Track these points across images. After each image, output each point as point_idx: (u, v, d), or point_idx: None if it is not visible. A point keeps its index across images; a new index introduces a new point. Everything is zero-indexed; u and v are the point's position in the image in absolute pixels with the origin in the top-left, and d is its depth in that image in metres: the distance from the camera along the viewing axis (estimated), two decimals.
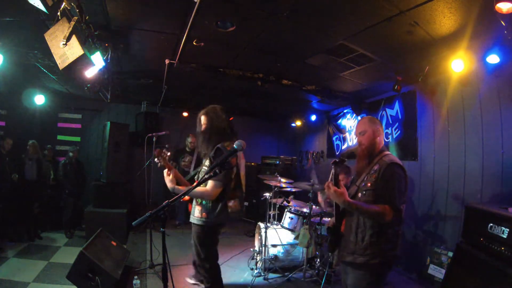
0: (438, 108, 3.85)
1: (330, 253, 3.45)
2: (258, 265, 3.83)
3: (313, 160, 6.92)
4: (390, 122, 4.58)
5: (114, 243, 3.59)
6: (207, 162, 2.45)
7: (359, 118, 5.28)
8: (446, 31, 2.58)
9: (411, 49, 2.99)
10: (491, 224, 2.47)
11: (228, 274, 3.69)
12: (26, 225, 4.73)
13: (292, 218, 4.01)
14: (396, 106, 4.48)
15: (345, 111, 5.81)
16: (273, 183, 4.07)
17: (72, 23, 2.20)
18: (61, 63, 2.31)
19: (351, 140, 5.57)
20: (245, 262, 4.08)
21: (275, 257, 3.79)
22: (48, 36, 2.32)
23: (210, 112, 2.49)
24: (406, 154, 4.24)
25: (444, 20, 2.40)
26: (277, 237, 3.89)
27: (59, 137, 6.20)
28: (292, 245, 3.91)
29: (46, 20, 2.61)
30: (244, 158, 2.66)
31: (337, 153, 6.00)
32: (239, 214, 2.47)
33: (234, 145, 1.93)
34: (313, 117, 6.70)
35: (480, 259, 2.50)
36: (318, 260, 3.70)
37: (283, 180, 4.06)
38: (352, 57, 3.37)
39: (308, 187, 3.75)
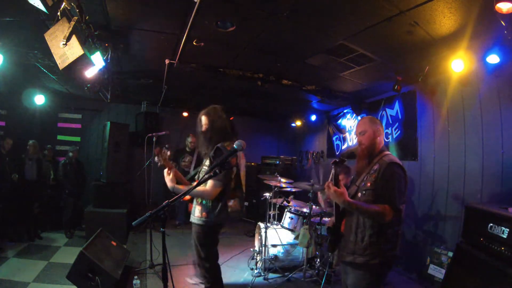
0: (438, 108, 3.85)
1: (330, 253, 3.45)
2: (258, 265, 3.83)
3: (313, 160, 6.92)
4: (390, 122, 4.58)
5: (114, 243, 3.59)
6: (207, 162, 2.45)
7: (359, 118, 5.28)
8: (446, 31, 2.58)
9: (411, 49, 2.99)
10: (491, 224, 2.47)
11: (228, 274, 3.69)
12: (26, 225, 4.73)
13: (292, 218, 4.01)
14: (396, 106, 4.48)
15: (345, 111, 5.81)
16: (273, 183, 4.07)
17: (72, 23, 2.20)
18: (61, 63, 2.31)
19: (351, 140, 5.57)
20: (245, 262, 4.08)
21: (275, 257, 3.79)
22: (48, 36, 2.32)
23: (211, 112, 2.49)
24: (406, 154, 4.24)
25: (444, 20, 2.40)
26: (277, 237, 3.89)
27: (59, 137, 6.20)
28: (292, 245, 3.91)
29: (46, 20, 2.61)
30: (245, 158, 2.66)
31: (337, 153, 6.00)
32: (239, 214, 2.47)
33: (234, 145, 1.93)
34: (313, 117, 6.70)
35: (480, 259, 2.50)
36: (318, 260, 3.70)
37: (283, 180, 4.06)
38: (352, 57, 3.37)
39: (308, 187, 3.75)
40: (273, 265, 3.75)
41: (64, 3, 2.14)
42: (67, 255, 3.99)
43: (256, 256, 4.00)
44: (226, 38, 3.07)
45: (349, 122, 5.66)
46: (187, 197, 2.51)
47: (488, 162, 3.19)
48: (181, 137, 6.71)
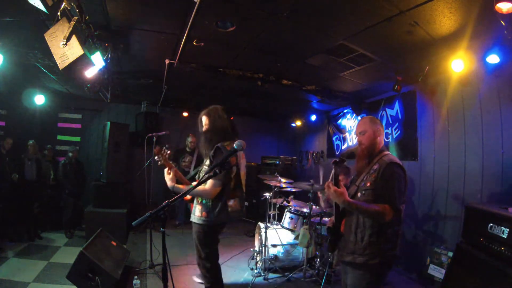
0: (438, 108, 3.85)
1: (330, 253, 3.45)
2: (258, 265, 3.83)
3: (313, 160, 6.92)
4: (390, 122, 4.58)
5: (114, 243, 3.59)
6: (207, 162, 2.46)
7: (359, 118, 5.28)
8: (446, 31, 2.58)
9: (411, 49, 2.99)
10: (491, 224, 2.47)
11: (228, 274, 3.69)
12: (26, 225, 4.73)
13: (292, 218, 4.01)
14: (396, 106, 4.48)
15: (345, 111, 5.81)
16: (273, 183, 4.07)
17: (72, 23, 2.20)
18: (61, 63, 2.31)
19: (351, 140, 5.57)
20: (245, 262, 4.08)
21: (275, 257, 3.79)
22: (48, 36, 2.32)
23: (212, 113, 2.50)
24: (406, 154, 4.24)
25: (444, 20, 2.40)
26: (277, 237, 3.89)
27: (59, 137, 6.20)
28: (292, 245, 3.91)
29: (46, 20, 2.61)
30: (245, 158, 2.67)
31: (337, 153, 6.00)
32: (239, 213, 2.48)
33: (234, 145, 1.95)
34: (313, 117, 6.70)
35: (480, 259, 2.50)
36: (318, 260, 3.70)
37: (283, 180, 4.06)
38: (352, 57, 3.37)
39: (308, 187, 3.75)
40: (273, 265, 3.75)
41: (64, 3, 2.14)
42: (67, 255, 3.99)
43: (256, 256, 4.00)
44: (226, 38, 3.06)
45: (349, 122, 5.66)
46: (188, 197, 2.51)
47: (488, 162, 3.19)
48: (181, 137, 6.71)
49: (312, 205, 3.67)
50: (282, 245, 3.88)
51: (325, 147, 6.49)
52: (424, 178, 3.98)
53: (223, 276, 2.58)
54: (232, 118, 2.62)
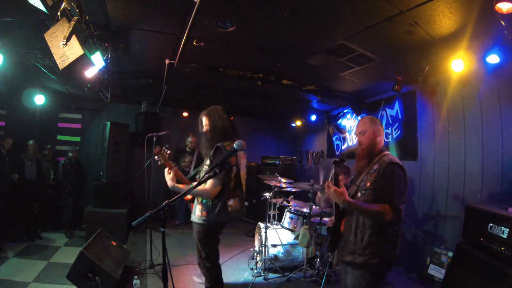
0: (438, 108, 3.85)
1: (330, 253, 3.45)
2: (258, 265, 3.83)
3: (313, 160, 6.93)
4: (390, 122, 4.58)
5: (114, 243, 3.59)
6: (207, 162, 2.46)
7: (359, 118, 5.28)
8: (446, 31, 2.58)
9: (411, 49, 2.99)
10: (491, 224, 2.47)
11: (228, 274, 3.69)
12: (26, 225, 4.73)
13: (292, 218, 4.01)
14: (396, 106, 4.48)
15: (345, 111, 5.81)
16: (273, 183, 4.07)
17: (72, 23, 2.20)
18: (61, 63, 2.31)
19: (351, 140, 5.57)
20: (245, 262, 4.08)
21: (275, 257, 3.79)
22: (48, 36, 2.32)
23: (212, 113, 2.51)
24: (406, 154, 4.24)
25: (444, 20, 2.40)
26: (277, 237, 3.89)
27: (59, 137, 6.20)
28: (292, 245, 3.91)
29: (46, 20, 2.61)
30: (246, 158, 2.67)
31: (337, 153, 6.00)
32: (240, 213, 2.48)
33: (234, 145, 1.96)
34: (313, 117, 6.70)
35: (480, 259, 2.50)
36: (318, 260, 3.70)
37: (283, 180, 4.06)
38: (352, 57, 3.37)
39: (308, 187, 3.75)
40: (273, 265, 3.75)
41: (64, 3, 2.14)
42: (67, 255, 3.99)
43: (256, 256, 4.00)
44: (226, 38, 3.06)
45: (349, 122, 5.66)
46: (189, 196, 2.52)
47: (488, 162, 3.19)
48: (181, 137, 6.71)
49: (312, 205, 3.67)
50: (282, 245, 3.88)
51: (325, 147, 6.49)
52: (424, 178, 3.98)
53: (223, 276, 2.58)
54: (232, 118, 2.63)
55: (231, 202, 2.41)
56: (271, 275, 3.72)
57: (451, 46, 2.87)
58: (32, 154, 4.81)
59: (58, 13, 2.24)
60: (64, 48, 2.24)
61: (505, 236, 2.34)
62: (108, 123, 5.27)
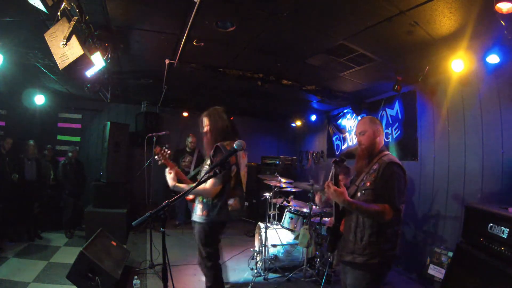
0: (438, 108, 3.85)
1: (329, 253, 3.45)
2: (258, 265, 3.83)
3: (313, 160, 6.93)
4: (390, 122, 4.58)
5: (114, 243, 3.59)
6: (208, 161, 2.48)
7: (359, 118, 5.29)
8: (446, 31, 2.58)
9: (411, 49, 2.99)
10: (491, 224, 2.47)
11: (228, 274, 3.70)
12: (26, 225, 4.73)
13: (292, 218, 4.01)
14: (396, 106, 4.48)
15: (345, 111, 5.81)
16: (273, 183, 4.07)
17: (72, 23, 2.21)
18: (61, 63, 2.31)
19: (351, 140, 5.57)
20: (245, 262, 4.08)
21: (275, 257, 3.79)
22: (48, 36, 2.32)
23: (212, 114, 2.54)
24: (406, 154, 4.24)
25: (444, 20, 2.40)
26: (277, 237, 3.89)
27: (59, 137, 6.20)
28: (292, 245, 3.91)
29: (46, 20, 2.61)
30: (246, 157, 2.69)
31: (337, 153, 6.01)
32: (240, 213, 2.49)
33: (234, 145, 1.98)
34: (313, 117, 6.70)
35: (480, 259, 2.50)
36: (318, 260, 3.70)
37: (283, 180, 4.06)
38: (352, 57, 3.37)
39: (308, 187, 3.75)
40: (273, 265, 3.75)
41: (64, 3, 2.14)
42: (67, 255, 3.99)
43: (256, 256, 4.00)
44: (226, 38, 3.06)
45: (349, 122, 5.66)
46: (190, 197, 2.54)
47: (488, 162, 3.19)
48: (181, 137, 6.71)
49: (312, 205, 3.67)
50: (282, 245, 3.88)
51: (325, 147, 6.49)
52: (424, 178, 3.98)
53: (223, 276, 2.59)
54: (232, 118, 2.64)
55: (231, 201, 2.42)
56: (271, 275, 3.72)
57: (451, 46, 2.87)
58: (32, 154, 4.81)
59: (58, 13, 2.24)
60: (64, 48, 2.24)
61: (505, 236, 2.34)
62: (108, 123, 5.27)
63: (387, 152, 1.99)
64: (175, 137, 6.76)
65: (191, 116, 6.81)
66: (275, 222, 4.30)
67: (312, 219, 3.69)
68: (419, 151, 4.08)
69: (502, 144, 3.06)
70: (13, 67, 3.89)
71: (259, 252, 3.91)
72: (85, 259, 2.85)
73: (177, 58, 3.49)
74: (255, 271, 3.74)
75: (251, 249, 4.22)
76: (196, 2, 2.22)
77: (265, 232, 3.72)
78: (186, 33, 2.78)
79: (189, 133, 5.89)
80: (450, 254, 3.25)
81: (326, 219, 3.83)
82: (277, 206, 4.37)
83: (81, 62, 2.35)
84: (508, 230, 2.33)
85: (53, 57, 2.32)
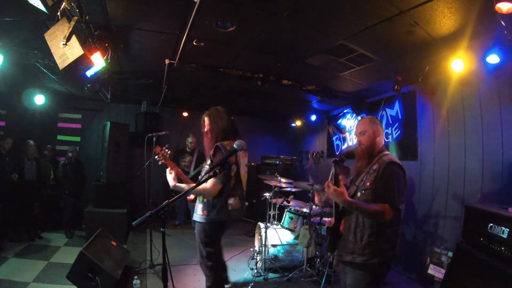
0: (438, 108, 3.85)
1: (329, 253, 3.45)
2: (258, 265, 3.83)
3: (313, 160, 6.92)
4: (390, 122, 4.58)
5: (114, 243, 3.59)
6: (208, 161, 2.49)
7: (359, 118, 5.29)
8: (446, 31, 2.58)
9: (411, 49, 2.99)
10: (491, 224, 2.47)
11: (228, 274, 3.69)
12: (26, 225, 4.73)
13: (292, 218, 4.01)
14: (396, 106, 4.48)
15: (345, 111, 5.81)
16: (273, 183, 4.07)
17: (72, 23, 2.21)
18: (61, 63, 2.31)
19: (351, 140, 5.57)
20: (245, 262, 4.08)
21: (275, 257, 3.79)
22: (48, 36, 2.32)
23: (213, 114, 2.56)
24: (406, 154, 4.24)
25: (444, 20, 2.40)
26: (277, 237, 3.89)
27: (59, 137, 6.20)
28: (292, 245, 3.91)
29: (46, 20, 2.61)
30: (247, 157, 2.70)
31: (337, 153, 6.00)
32: (240, 212, 2.50)
33: (234, 145, 1.99)
34: (313, 117, 6.70)
35: (480, 259, 2.50)
36: (318, 260, 3.70)
37: (283, 180, 4.06)
38: (352, 57, 3.37)
39: (308, 187, 3.75)
40: (273, 265, 3.75)
41: (64, 3, 2.14)
42: (67, 255, 3.99)
43: (256, 256, 4.00)
44: (226, 38, 3.06)
45: (349, 122, 5.66)
46: (192, 197, 2.55)
47: (488, 162, 3.19)
48: (181, 137, 6.71)
49: (312, 205, 3.67)
50: (282, 245, 3.88)
51: (325, 147, 6.49)
52: (424, 178, 3.98)
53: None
54: (232, 118, 2.65)
55: (231, 200, 2.42)
56: (271, 275, 3.72)
57: (451, 46, 2.87)
58: (32, 154, 4.81)
59: (58, 13, 2.24)
60: (64, 48, 2.25)
61: (505, 236, 2.34)
62: (108, 123, 5.27)
63: (387, 152, 1.99)
64: (175, 137, 6.75)
65: (191, 116, 6.81)
66: (275, 222, 4.30)
67: (312, 219, 3.69)
68: (419, 151, 4.08)
69: (502, 144, 3.06)
70: (13, 67, 3.89)
71: (259, 252, 3.91)
72: (85, 259, 2.85)
73: (177, 58, 3.49)
74: (255, 271, 3.74)
75: (251, 249, 4.22)
76: (196, 2, 2.22)
77: (265, 232, 3.72)
78: (186, 33, 2.78)
79: (189, 133, 5.89)
80: (450, 254, 3.25)
81: (326, 219, 3.82)
82: (277, 206, 4.37)
83: (81, 62, 2.35)
84: (508, 230, 2.33)
85: (53, 57, 2.32)
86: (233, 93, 5.43)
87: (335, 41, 3.00)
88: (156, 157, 2.55)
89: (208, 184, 2.28)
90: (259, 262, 3.84)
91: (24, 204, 4.71)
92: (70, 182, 5.16)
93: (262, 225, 3.92)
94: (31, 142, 4.83)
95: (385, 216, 1.76)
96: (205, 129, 2.55)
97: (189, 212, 5.63)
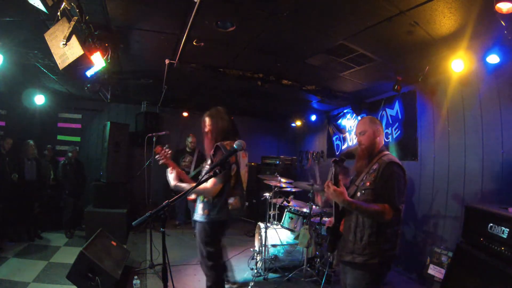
0: (438, 108, 3.85)
1: (329, 253, 3.45)
2: (258, 265, 3.83)
3: (313, 160, 6.92)
4: (390, 122, 4.58)
5: (114, 243, 3.59)
6: (209, 161, 2.50)
7: (359, 118, 5.29)
8: (446, 31, 2.58)
9: (411, 49, 2.99)
10: (491, 224, 2.47)
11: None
12: (26, 225, 4.73)
13: (292, 218, 4.01)
14: (396, 106, 4.48)
15: (345, 111, 5.81)
16: (273, 183, 4.07)
17: (72, 23, 2.21)
18: (61, 63, 2.31)
19: (351, 140, 5.57)
20: (245, 262, 4.08)
21: (275, 257, 3.79)
22: (48, 36, 2.32)
23: (214, 114, 2.57)
24: (406, 154, 4.24)
25: (444, 20, 2.40)
26: (277, 237, 3.89)
27: (59, 137, 6.20)
28: (292, 245, 3.91)
29: (46, 20, 2.61)
30: (247, 156, 2.70)
31: (337, 153, 6.01)
32: (240, 212, 2.50)
33: (234, 145, 2.00)
34: (313, 117, 6.70)
35: (480, 259, 2.50)
36: (318, 260, 3.70)
37: (283, 180, 4.06)
38: (352, 57, 3.37)
39: (308, 187, 3.75)
40: (273, 265, 3.75)
41: (64, 3, 2.14)
42: (67, 255, 3.99)
43: (256, 256, 4.00)
44: (226, 38, 3.06)
45: (349, 122, 5.66)
46: (193, 196, 2.56)
47: (488, 162, 3.19)
48: (181, 137, 6.71)
49: (312, 205, 3.67)
50: (282, 245, 3.88)
51: (325, 147, 6.49)
52: (424, 178, 3.98)
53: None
54: (232, 118, 2.66)
55: (231, 200, 2.43)
56: (271, 275, 3.72)
57: (451, 46, 2.87)
58: (31, 154, 4.81)
59: (58, 13, 2.24)
60: (64, 48, 2.25)
61: (505, 236, 2.34)
62: (108, 123, 5.27)
63: (387, 152, 1.99)
64: (175, 137, 6.75)
65: (191, 116, 6.81)
66: (275, 222, 4.30)
67: (312, 219, 3.69)
68: (419, 151, 4.08)
69: (502, 144, 3.06)
70: (13, 67, 3.89)
71: (259, 252, 3.91)
72: (85, 259, 2.85)
73: (177, 58, 3.49)
74: (255, 271, 3.74)
75: (251, 249, 4.22)
76: (196, 2, 2.22)
77: (265, 232, 3.72)
78: (186, 33, 2.78)
79: (189, 133, 5.89)
80: (450, 254, 3.25)
81: (326, 219, 3.82)
82: (277, 206, 4.37)
83: (81, 62, 2.35)
84: (508, 230, 2.33)
85: (53, 57, 2.32)
86: (233, 93, 5.43)
87: (335, 41, 3.00)
88: (157, 156, 2.56)
89: (209, 183, 2.28)
90: (259, 262, 3.84)
91: (24, 204, 4.71)
92: (70, 182, 5.16)
93: (262, 225, 3.92)
94: (31, 142, 4.83)
95: (385, 216, 1.76)
96: (206, 129, 2.57)
97: (189, 212, 5.63)
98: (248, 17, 2.65)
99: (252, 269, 3.87)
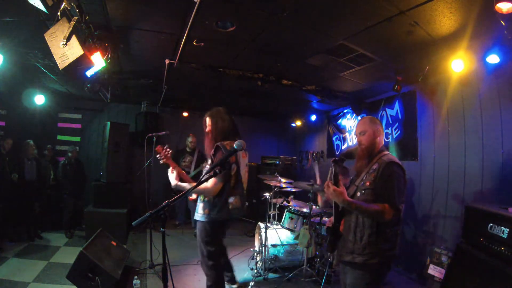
0: (438, 108, 3.85)
1: (329, 253, 3.45)
2: (258, 265, 3.83)
3: (313, 160, 6.92)
4: (390, 122, 4.58)
5: (114, 243, 3.59)
6: (209, 161, 2.51)
7: (359, 118, 5.29)
8: (446, 31, 2.58)
9: (411, 49, 2.99)
10: (491, 224, 2.47)
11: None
12: (26, 225, 4.73)
13: (292, 218, 4.01)
14: (396, 106, 4.48)
15: (345, 111, 5.81)
16: (273, 183, 4.07)
17: (72, 23, 2.21)
18: (61, 63, 2.31)
19: (351, 140, 5.57)
20: (245, 262, 4.08)
21: (275, 257, 3.79)
22: (48, 36, 2.32)
23: (214, 114, 2.58)
24: (406, 154, 4.24)
25: (444, 20, 2.40)
26: (277, 237, 3.89)
27: (59, 137, 6.19)
28: (292, 245, 3.91)
29: (46, 20, 2.61)
30: (247, 156, 2.71)
31: (337, 153, 6.01)
32: (240, 211, 2.51)
33: (234, 145, 2.00)
34: (313, 117, 6.70)
35: (480, 259, 2.51)
36: (318, 260, 3.70)
37: (283, 180, 4.06)
38: (352, 57, 3.37)
39: (308, 187, 3.75)
40: (273, 265, 3.75)
41: (64, 3, 2.14)
42: (67, 255, 3.99)
43: (256, 256, 4.00)
44: (226, 38, 3.06)
45: (349, 122, 5.66)
46: (194, 196, 2.57)
47: (488, 162, 3.19)
48: (181, 137, 6.71)
49: (312, 205, 3.67)
50: (282, 245, 3.88)
51: (325, 147, 6.49)
52: (424, 178, 3.98)
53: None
54: (232, 118, 2.67)
55: (231, 199, 2.44)
56: (271, 275, 3.72)
57: (451, 46, 2.87)
58: (31, 154, 4.80)
59: (58, 13, 2.24)
60: (64, 48, 2.25)
61: (505, 236, 2.34)
62: (108, 123, 5.27)
63: (386, 152, 2.00)
64: (175, 137, 6.75)
65: (191, 116, 6.81)
66: (275, 222, 4.30)
67: (312, 219, 3.69)
68: (419, 151, 4.08)
69: (502, 144, 3.06)
70: (13, 67, 3.89)
71: (259, 252, 3.91)
72: (85, 259, 2.85)
73: (177, 58, 3.49)
74: (255, 271, 3.74)
75: (251, 249, 4.22)
76: (196, 2, 2.22)
77: (265, 232, 3.72)
78: (186, 33, 2.78)
79: (189, 133, 5.89)
80: (450, 254, 3.25)
81: (326, 219, 3.82)
82: (277, 206, 4.37)
83: (81, 62, 2.35)
84: (508, 230, 2.33)
85: (53, 57, 2.32)
86: (233, 93, 5.43)
87: (335, 41, 3.01)
88: (158, 156, 2.58)
89: (209, 183, 2.29)
90: (259, 262, 3.84)
91: (24, 204, 4.71)
92: (70, 182, 5.16)
93: (262, 225, 3.92)
94: (31, 142, 4.83)
95: (385, 216, 1.76)
96: (207, 130, 2.58)
97: (189, 212, 5.63)
98: (248, 17, 2.65)
99: (252, 269, 3.87)
